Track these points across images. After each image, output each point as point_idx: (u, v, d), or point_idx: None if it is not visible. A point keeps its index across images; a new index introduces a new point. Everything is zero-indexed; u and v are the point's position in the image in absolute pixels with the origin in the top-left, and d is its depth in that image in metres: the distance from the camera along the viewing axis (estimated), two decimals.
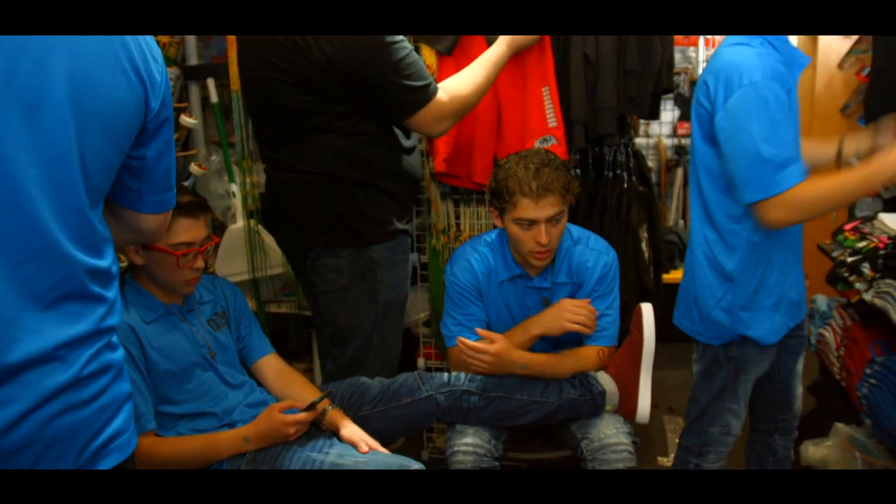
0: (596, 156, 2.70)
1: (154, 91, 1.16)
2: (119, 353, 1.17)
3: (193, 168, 2.63)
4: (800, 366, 2.19)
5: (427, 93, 1.98)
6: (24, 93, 0.98)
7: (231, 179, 2.81)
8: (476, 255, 2.20)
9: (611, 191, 2.66)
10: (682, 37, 4.16)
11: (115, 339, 1.17)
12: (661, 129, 4.31)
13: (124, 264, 2.21)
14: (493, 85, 2.45)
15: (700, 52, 4.08)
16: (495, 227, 2.17)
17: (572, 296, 2.18)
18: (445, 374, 2.10)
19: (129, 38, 1.11)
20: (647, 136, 4.34)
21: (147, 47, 1.16)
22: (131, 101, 1.12)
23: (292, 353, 3.16)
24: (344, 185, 2.01)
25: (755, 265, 1.92)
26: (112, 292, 1.15)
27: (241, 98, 2.53)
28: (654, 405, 3.25)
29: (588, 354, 2.15)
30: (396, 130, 2.08)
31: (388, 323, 2.17)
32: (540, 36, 2.34)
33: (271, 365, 2.13)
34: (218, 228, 2.85)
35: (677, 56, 4.29)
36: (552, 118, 2.43)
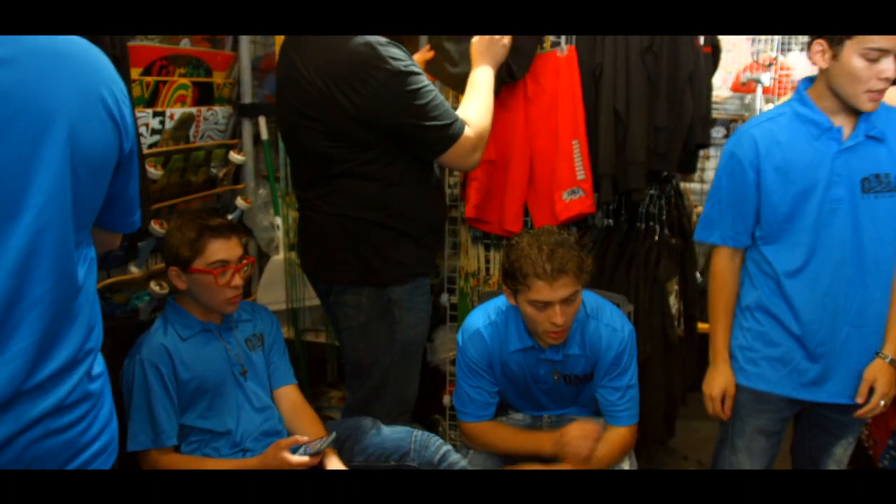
0: (629, 206, 2.73)
1: (126, 132, 1.26)
2: (98, 384, 1.26)
3: (239, 202, 2.77)
4: (840, 450, 2.17)
5: (454, 130, 2.04)
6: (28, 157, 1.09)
7: (276, 213, 2.95)
8: (488, 325, 2.19)
9: (641, 243, 2.69)
10: (738, 83, 4.14)
11: (96, 366, 1.26)
12: None
13: (164, 291, 2.37)
14: (527, 136, 2.53)
15: (758, 101, 4.04)
16: None
17: (587, 370, 2.17)
18: (443, 448, 2.12)
19: (104, 87, 1.20)
20: (703, 181, 4.31)
21: (119, 91, 1.25)
22: (112, 146, 1.23)
23: (330, 382, 3.28)
24: (366, 227, 2.09)
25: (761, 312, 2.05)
26: (89, 312, 1.24)
27: None
28: (683, 457, 3.26)
29: (617, 439, 2.16)
30: (421, 176, 2.15)
31: (406, 362, 2.24)
32: (498, 40, 2.29)
33: (289, 396, 2.22)
34: (263, 258, 2.99)
35: (735, 103, 4.28)
36: (581, 171, 2.48)
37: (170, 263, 2.01)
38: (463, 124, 2.06)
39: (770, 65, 4.10)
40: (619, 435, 2.15)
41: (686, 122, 2.45)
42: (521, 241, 2.02)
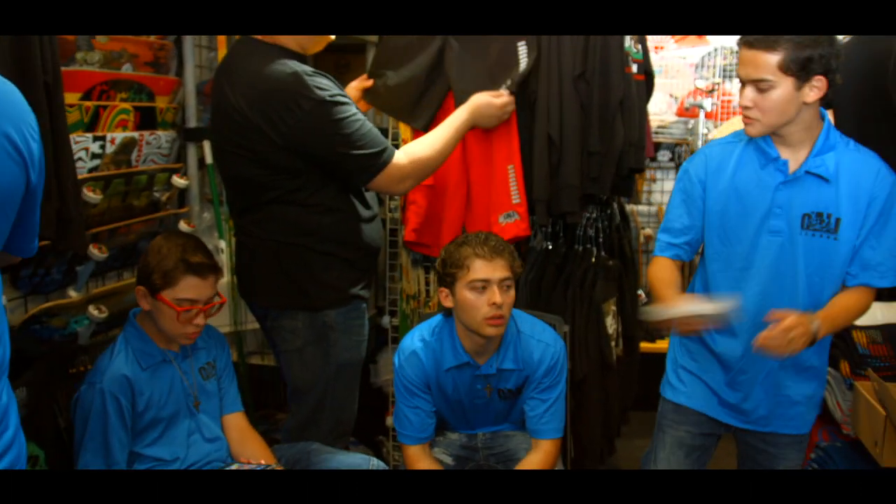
0: (567, 229, 2.79)
1: (33, 166, 1.28)
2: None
3: (182, 225, 2.79)
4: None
5: (382, 158, 2.07)
6: None
7: (221, 236, 2.97)
8: (422, 345, 2.23)
9: (578, 265, 2.76)
10: (683, 108, 4.25)
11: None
12: (662, 198, 4.37)
13: (104, 314, 2.37)
14: (464, 162, 2.58)
15: (700, 125, 4.15)
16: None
17: (520, 384, 2.23)
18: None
19: (10, 124, 1.22)
20: (650, 203, 4.41)
21: (27, 126, 1.27)
22: (18, 181, 1.25)
23: (276, 405, 3.29)
24: (299, 251, 2.12)
25: None
26: None
27: None
28: None
29: (542, 453, 2.21)
30: (354, 200, 2.18)
31: (341, 384, 2.26)
32: (500, 108, 2.42)
33: (236, 423, 2.23)
34: None
35: (680, 127, 4.39)
36: (516, 195, 2.54)
37: (140, 281, 2.01)
38: (393, 152, 2.10)
39: (712, 90, 4.23)
40: (543, 449, 2.21)
41: (618, 146, 2.52)
42: (456, 240, 2.17)
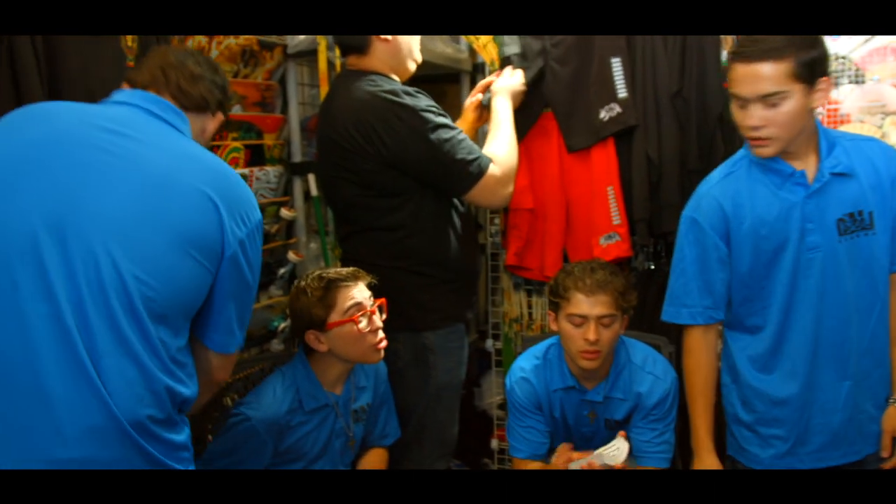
0: (670, 249, 2.76)
1: (230, 244, 1.46)
2: None
3: (291, 256, 2.90)
4: None
5: (480, 166, 2.13)
6: None
7: (327, 264, 3.07)
8: (531, 367, 2.23)
9: None
10: None
11: None
12: None
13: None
14: (563, 185, 2.60)
15: None
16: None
17: (627, 416, 2.19)
18: None
19: (218, 194, 1.42)
20: None
21: (239, 210, 1.47)
22: (215, 235, 1.45)
23: None
24: (397, 274, 2.18)
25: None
26: None
27: None
28: None
29: None
30: (451, 223, 2.25)
31: (442, 406, 2.30)
32: (521, 81, 2.46)
33: (369, 460, 2.23)
34: None
35: None
36: (616, 216, 2.54)
37: (304, 329, 2.01)
38: (488, 161, 2.15)
39: None
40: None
41: (718, 163, 2.47)
42: (571, 264, 2.15)
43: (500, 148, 2.23)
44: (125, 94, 1.51)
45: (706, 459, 1.97)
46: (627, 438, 2.03)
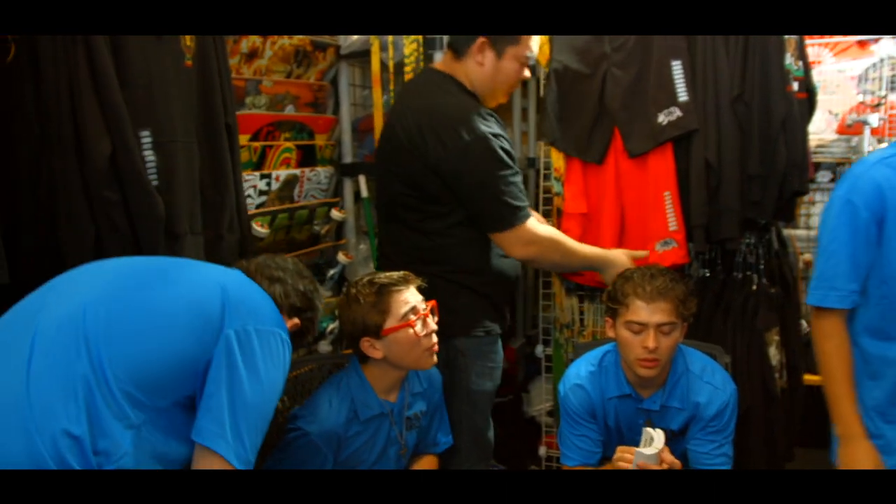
0: (725, 256, 2.70)
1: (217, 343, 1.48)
2: None
3: (341, 257, 2.90)
4: None
5: (519, 214, 2.12)
6: None
7: (376, 267, 3.05)
8: (587, 374, 2.18)
9: (738, 292, 2.64)
10: (844, 125, 4.02)
11: None
12: None
13: None
14: (618, 189, 2.56)
15: (865, 142, 3.91)
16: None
17: (684, 426, 2.14)
18: None
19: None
20: (809, 228, 4.18)
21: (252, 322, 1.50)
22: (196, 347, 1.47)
23: None
24: (430, 280, 2.12)
25: None
26: None
27: None
28: None
29: None
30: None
31: (476, 411, 2.25)
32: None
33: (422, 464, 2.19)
34: None
35: (841, 145, 4.15)
36: (673, 222, 2.48)
37: (359, 337, 1.96)
38: (529, 215, 2.15)
39: (878, 105, 3.97)
40: None
41: (780, 169, 2.42)
42: (631, 269, 2.11)
43: (556, 233, 2.26)
44: None
45: (859, 445, 1.84)
46: (653, 427, 1.97)
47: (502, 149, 2.10)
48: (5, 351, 1.34)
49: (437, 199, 2.14)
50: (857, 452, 1.83)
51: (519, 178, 2.14)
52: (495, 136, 2.09)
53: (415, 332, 1.93)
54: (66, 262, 1.69)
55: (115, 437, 1.33)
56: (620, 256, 2.32)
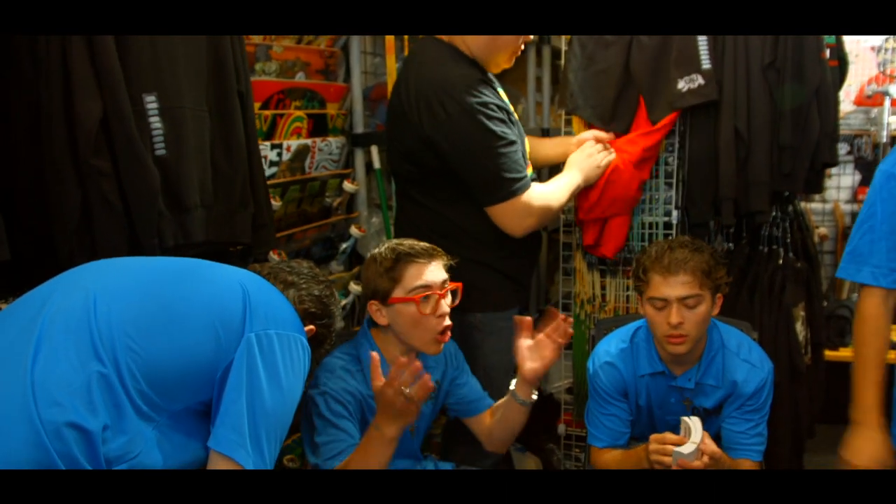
0: (749, 229, 2.62)
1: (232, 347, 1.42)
2: None
3: (353, 230, 2.81)
4: None
5: (516, 186, 2.04)
6: None
7: (389, 239, 2.97)
8: (617, 351, 2.11)
9: (764, 267, 2.58)
10: (863, 96, 3.93)
11: None
12: (839, 195, 4.06)
13: None
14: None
15: (885, 114, 3.82)
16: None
17: (719, 404, 2.07)
18: None
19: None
20: (824, 201, 4.10)
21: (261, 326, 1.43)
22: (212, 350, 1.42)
23: None
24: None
25: None
26: None
27: None
28: None
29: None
30: None
31: (492, 387, 2.18)
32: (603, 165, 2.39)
33: (484, 422, 2.10)
34: None
35: (860, 117, 4.06)
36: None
37: (369, 297, 1.90)
38: (528, 185, 2.07)
39: None
40: (744, 468, 2.01)
41: (813, 139, 2.35)
42: (652, 244, 2.02)
43: (551, 190, 2.19)
44: None
45: (868, 432, 1.78)
46: (698, 414, 1.91)
47: (494, 118, 2.02)
48: (11, 344, 1.28)
49: (436, 170, 2.08)
50: (864, 441, 1.78)
51: (514, 149, 2.05)
52: (484, 105, 2.01)
53: (418, 308, 1.84)
54: (53, 239, 1.62)
55: (131, 434, 1.28)
56: (582, 160, 2.33)
